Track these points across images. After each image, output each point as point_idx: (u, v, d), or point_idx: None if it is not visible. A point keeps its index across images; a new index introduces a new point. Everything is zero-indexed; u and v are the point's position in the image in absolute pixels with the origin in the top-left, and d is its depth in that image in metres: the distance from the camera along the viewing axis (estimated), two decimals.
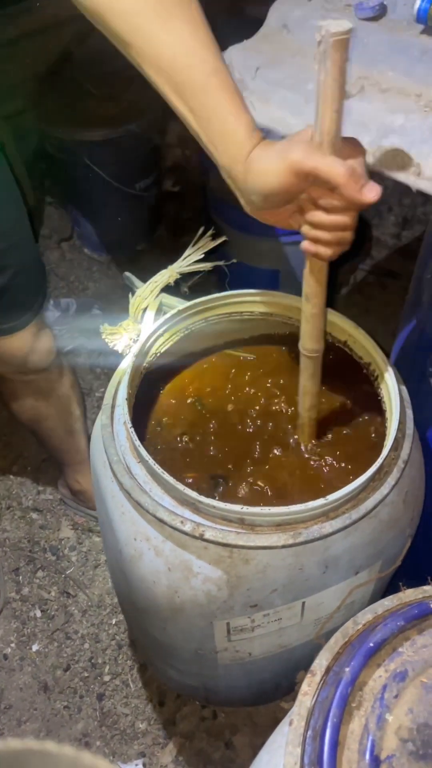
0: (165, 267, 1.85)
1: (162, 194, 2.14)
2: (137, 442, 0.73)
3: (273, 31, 0.79)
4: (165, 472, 0.71)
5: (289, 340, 0.96)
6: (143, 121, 1.83)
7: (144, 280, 1.01)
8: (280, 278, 1.60)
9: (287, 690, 1.19)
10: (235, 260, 0.99)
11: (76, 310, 1.92)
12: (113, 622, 1.34)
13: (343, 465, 0.83)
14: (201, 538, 0.70)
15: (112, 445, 0.77)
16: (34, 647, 1.31)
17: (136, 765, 1.16)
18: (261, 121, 0.73)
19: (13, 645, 1.32)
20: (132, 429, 0.74)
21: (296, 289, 0.97)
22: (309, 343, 0.75)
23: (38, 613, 1.36)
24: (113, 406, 0.82)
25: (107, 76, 2.00)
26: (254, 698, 1.18)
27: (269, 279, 1.59)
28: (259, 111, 0.73)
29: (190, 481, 0.82)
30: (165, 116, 1.96)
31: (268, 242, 1.55)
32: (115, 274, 2.08)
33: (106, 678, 1.27)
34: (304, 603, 0.81)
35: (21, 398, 1.22)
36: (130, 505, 0.75)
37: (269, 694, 1.18)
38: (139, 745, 1.19)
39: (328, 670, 0.59)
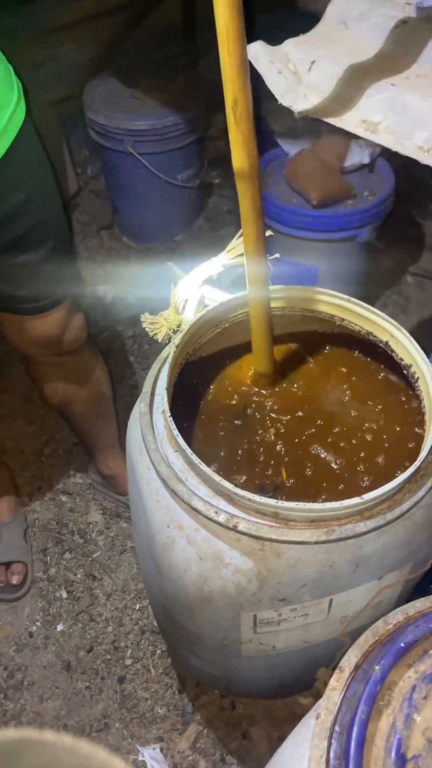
0: (203, 258, 1.86)
1: (203, 185, 2.14)
2: (175, 431, 0.74)
3: (331, 26, 0.79)
4: (202, 463, 0.71)
5: (333, 338, 0.95)
6: (189, 112, 1.83)
7: (182, 269, 1.02)
8: (318, 275, 1.60)
9: (306, 686, 1.19)
10: (278, 255, 0.98)
11: (113, 298, 1.94)
12: (137, 608, 1.36)
13: (380, 465, 0.83)
14: (234, 529, 0.70)
15: (150, 433, 0.78)
16: (59, 627, 1.34)
17: (154, 749, 1.18)
18: (315, 115, 0.73)
19: (38, 624, 1.34)
20: (171, 418, 0.75)
21: (336, 287, 0.97)
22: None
23: (64, 594, 1.38)
24: (152, 395, 0.83)
25: (155, 65, 2.01)
26: (273, 691, 1.18)
27: (308, 276, 1.59)
28: (314, 104, 0.73)
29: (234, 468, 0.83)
30: (210, 107, 1.97)
31: (308, 239, 1.55)
32: (153, 263, 2.09)
33: (128, 662, 1.29)
34: (332, 600, 0.81)
35: (53, 382, 1.24)
36: (166, 492, 0.76)
37: (288, 688, 1.19)
38: (158, 729, 1.21)
39: (357, 667, 0.59)
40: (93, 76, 2.00)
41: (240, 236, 0.97)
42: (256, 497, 0.69)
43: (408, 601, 0.92)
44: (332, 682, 0.58)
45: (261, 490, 0.83)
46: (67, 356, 1.15)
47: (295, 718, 1.22)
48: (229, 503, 0.72)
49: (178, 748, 1.19)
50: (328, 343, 0.96)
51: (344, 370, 0.95)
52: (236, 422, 0.89)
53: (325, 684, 1.18)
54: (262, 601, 0.77)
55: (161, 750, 1.18)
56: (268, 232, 0.95)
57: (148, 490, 0.79)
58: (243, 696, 1.21)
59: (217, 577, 0.75)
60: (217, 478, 0.70)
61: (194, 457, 0.72)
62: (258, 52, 0.75)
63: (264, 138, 1.77)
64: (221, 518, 0.71)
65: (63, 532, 1.49)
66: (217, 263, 0.94)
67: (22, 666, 1.29)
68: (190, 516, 0.74)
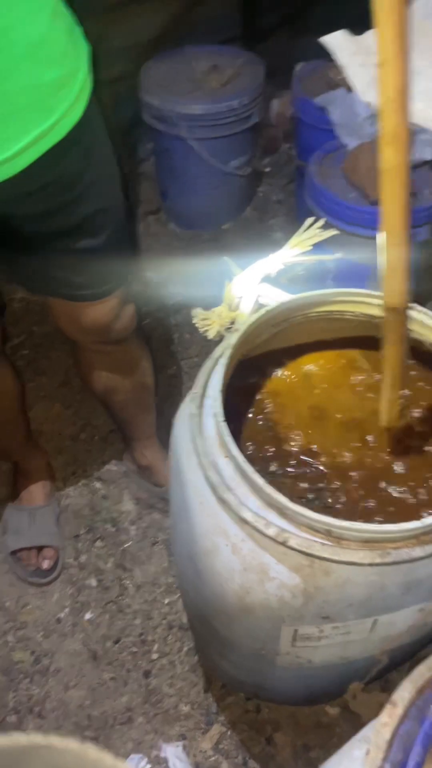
0: (249, 248, 1.82)
1: (253, 174, 2.09)
2: (228, 438, 0.71)
3: (416, 17, 0.74)
4: (255, 472, 0.69)
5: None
6: (245, 98, 1.78)
7: (238, 266, 0.98)
8: (372, 273, 1.54)
9: (335, 696, 1.17)
10: (340, 255, 0.94)
11: (156, 285, 1.92)
12: (166, 602, 1.34)
13: None
14: (284, 544, 0.67)
15: (200, 436, 0.76)
16: (87, 616, 1.33)
17: (177, 747, 1.17)
18: None
19: (66, 610, 1.34)
20: (223, 423, 0.72)
21: None
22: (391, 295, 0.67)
23: (93, 583, 1.38)
24: (203, 396, 0.80)
25: (213, 48, 1.97)
26: (301, 699, 1.16)
27: (361, 273, 1.54)
28: None
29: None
30: (266, 94, 1.92)
31: (363, 235, 1.50)
32: (198, 251, 2.06)
33: (154, 656, 1.28)
34: (376, 620, 0.78)
35: (97, 369, 1.22)
36: (213, 499, 0.73)
37: (317, 697, 1.16)
38: (181, 727, 1.20)
39: (410, 703, 0.56)
40: (149, 57, 1.96)
41: (303, 232, 0.93)
42: (310, 513, 0.66)
43: None
44: (384, 718, 0.55)
45: (307, 501, 0.80)
46: (114, 345, 1.12)
47: (320, 727, 1.19)
48: (280, 516, 0.69)
49: (201, 747, 1.18)
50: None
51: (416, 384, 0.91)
52: (282, 429, 0.86)
53: (355, 697, 1.16)
54: (305, 617, 0.75)
55: (184, 748, 1.17)
56: (332, 231, 0.91)
57: (193, 494, 0.77)
58: (269, 701, 1.19)
59: (261, 589, 0.73)
60: (269, 489, 0.68)
61: (246, 466, 0.69)
62: (340, 42, 0.70)
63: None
64: (271, 531, 0.68)
65: (95, 519, 1.48)
66: (276, 260, 0.91)
67: (48, 652, 1.29)
68: (237, 525, 0.72)
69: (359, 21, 0.81)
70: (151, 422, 1.40)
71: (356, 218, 1.45)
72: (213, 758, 1.16)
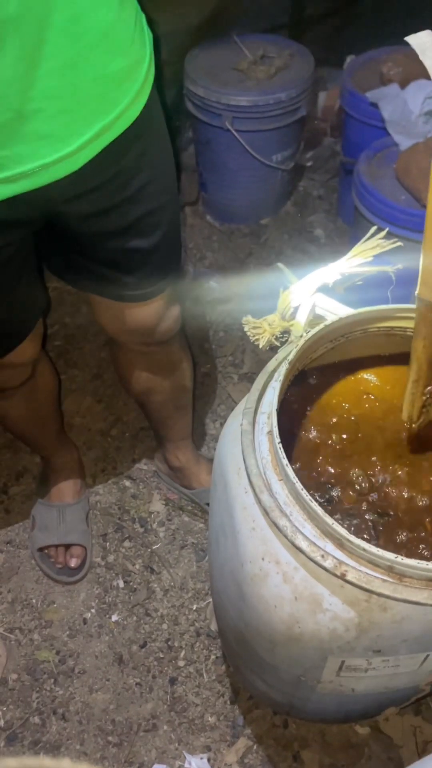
0: (288, 244, 1.77)
1: (297, 168, 2.04)
2: (284, 460, 0.67)
3: None
4: (312, 500, 0.65)
5: None
6: (293, 90, 1.72)
7: (265, 256, 0.94)
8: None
9: (369, 717, 1.14)
10: (401, 266, 0.90)
11: (192, 279, 1.88)
12: (194, 608, 1.32)
13: None
14: (342, 578, 0.64)
15: (252, 455, 0.72)
16: (114, 617, 1.31)
17: (201, 758, 1.15)
18: None
19: (93, 611, 1.32)
20: (279, 444, 0.68)
21: None
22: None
23: (121, 584, 1.35)
24: (256, 411, 0.76)
25: (260, 37, 1.91)
26: (333, 720, 1.13)
27: (407, 279, 1.48)
28: None
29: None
30: (315, 85, 1.85)
31: (412, 240, 1.44)
32: (235, 245, 2.01)
33: (181, 663, 1.25)
34: (428, 655, 0.74)
35: (138, 369, 1.19)
36: (264, 522, 0.70)
37: (350, 718, 1.13)
38: (206, 738, 1.17)
39: None
40: (194, 44, 1.91)
41: (365, 241, 0.89)
42: (372, 548, 0.62)
43: None
44: None
45: (364, 531, 0.76)
46: (156, 346, 1.09)
47: (350, 747, 1.16)
48: (338, 547, 0.65)
49: (226, 760, 1.15)
50: None
51: None
52: (333, 451, 0.82)
53: (387, 719, 1.12)
54: (355, 650, 0.71)
55: (208, 760, 1.15)
56: (396, 243, 0.87)
57: (243, 515, 0.73)
58: (299, 718, 1.16)
59: (312, 620, 0.69)
60: (329, 519, 0.64)
61: (304, 493, 0.65)
62: (425, 42, 0.65)
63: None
64: (328, 563, 0.64)
65: (124, 518, 1.45)
66: (334, 270, 0.86)
67: (74, 652, 1.27)
68: (290, 553, 0.68)
69: (411, 11, 0.75)
70: (187, 424, 1.37)
71: (406, 221, 1.40)
72: None
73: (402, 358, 0.89)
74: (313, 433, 0.83)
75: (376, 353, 0.89)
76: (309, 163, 2.19)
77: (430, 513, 0.76)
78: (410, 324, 0.83)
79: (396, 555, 0.62)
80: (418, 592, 0.62)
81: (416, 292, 0.69)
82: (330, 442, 0.83)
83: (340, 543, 0.65)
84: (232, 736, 1.18)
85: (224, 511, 0.79)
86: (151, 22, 2.13)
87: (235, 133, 1.74)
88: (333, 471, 0.79)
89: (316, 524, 0.66)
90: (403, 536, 0.73)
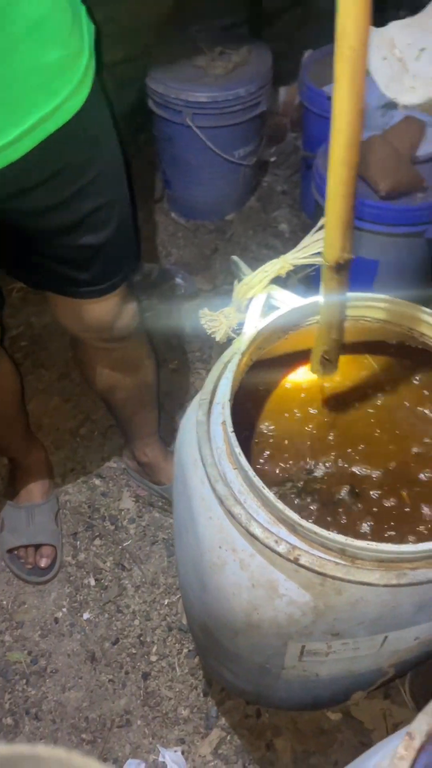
0: (253, 240, 1.78)
1: (259, 163, 2.05)
2: (237, 449, 0.68)
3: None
4: (265, 486, 0.66)
5: (409, 351, 0.88)
6: (252, 86, 1.73)
7: (230, 251, 0.95)
8: (378, 269, 1.51)
9: (338, 703, 1.15)
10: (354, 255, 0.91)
11: (158, 277, 1.88)
12: (165, 603, 1.32)
13: None
14: (296, 562, 0.65)
15: (207, 446, 0.73)
16: (85, 615, 1.31)
17: (175, 751, 1.15)
18: (423, 110, 0.65)
19: (64, 610, 1.32)
20: (233, 434, 0.69)
21: (395, 283, 0.89)
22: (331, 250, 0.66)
23: (92, 582, 1.35)
24: (211, 402, 0.77)
25: (219, 33, 1.91)
26: (303, 706, 1.14)
27: (367, 269, 1.50)
28: (422, 97, 0.65)
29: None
30: (274, 80, 1.87)
31: (371, 231, 1.46)
32: (201, 242, 2.02)
33: (153, 658, 1.26)
34: (386, 637, 0.75)
35: (100, 367, 1.19)
36: (221, 511, 0.70)
37: (320, 705, 1.14)
38: (180, 731, 1.18)
39: (428, 736, 0.54)
40: (154, 41, 1.91)
41: (314, 233, 0.89)
42: (323, 531, 0.63)
43: None
44: (400, 750, 0.53)
45: (321, 517, 0.77)
46: (116, 342, 1.09)
47: (321, 733, 1.18)
48: (291, 533, 0.66)
49: (200, 752, 1.16)
50: (401, 354, 0.89)
51: (416, 385, 0.88)
52: (292, 439, 0.83)
53: (357, 704, 1.14)
54: (313, 634, 0.72)
55: (182, 753, 1.15)
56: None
57: (200, 506, 0.74)
58: (271, 707, 1.18)
59: (269, 606, 0.70)
60: (280, 505, 0.65)
61: (257, 480, 0.66)
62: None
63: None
64: (281, 548, 0.65)
65: (94, 516, 1.45)
66: (287, 261, 0.87)
67: (46, 652, 1.27)
68: (246, 540, 0.69)
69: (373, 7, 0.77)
70: (153, 420, 1.37)
71: (363, 213, 1.41)
72: (212, 763, 1.15)
73: (357, 347, 0.90)
74: (273, 423, 0.84)
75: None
76: (272, 159, 2.21)
77: (396, 491, 0.78)
78: (365, 312, 0.85)
79: (346, 537, 0.63)
80: (369, 573, 0.64)
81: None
82: (292, 431, 0.84)
83: (293, 528, 0.66)
84: (206, 728, 1.18)
85: (184, 503, 0.80)
86: (110, 20, 2.12)
87: (195, 129, 1.75)
88: (298, 460, 0.80)
89: (269, 511, 0.67)
90: (371, 518, 0.75)
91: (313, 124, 1.78)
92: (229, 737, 1.18)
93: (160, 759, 1.15)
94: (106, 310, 1.00)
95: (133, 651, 1.27)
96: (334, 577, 0.64)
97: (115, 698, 1.22)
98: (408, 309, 0.82)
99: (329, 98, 1.61)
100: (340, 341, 0.79)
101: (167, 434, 1.46)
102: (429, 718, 0.55)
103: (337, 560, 0.64)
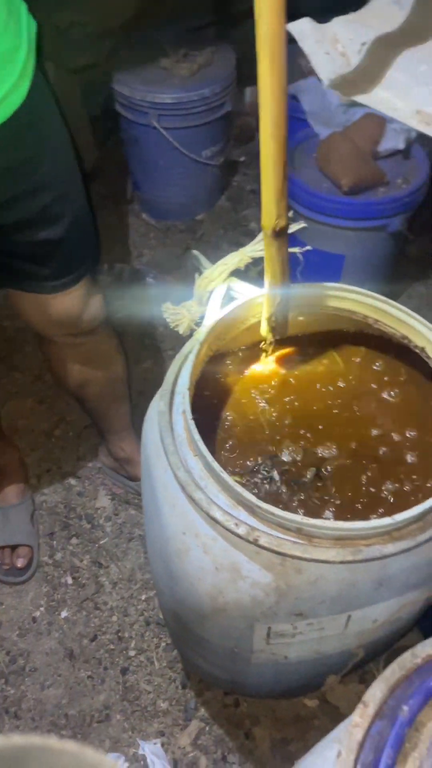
0: (224, 239, 1.80)
1: (227, 163, 2.07)
2: (196, 435, 0.70)
3: (383, 5, 0.72)
4: (223, 471, 0.67)
5: (365, 339, 0.91)
6: (216, 86, 1.76)
7: (202, 251, 0.97)
8: (344, 264, 1.54)
9: (313, 689, 1.17)
10: (309, 247, 0.93)
11: (129, 277, 1.89)
12: (143, 598, 1.33)
13: (411, 483, 0.79)
14: (255, 543, 0.66)
15: (169, 434, 0.74)
16: (63, 614, 1.31)
17: (155, 744, 1.16)
18: (364, 102, 0.67)
19: (42, 609, 1.32)
20: (192, 421, 0.71)
21: (361, 276, 0.92)
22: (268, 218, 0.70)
23: (69, 580, 1.36)
24: (172, 393, 0.78)
25: (184, 35, 1.93)
26: (279, 693, 1.16)
27: (333, 264, 1.53)
28: (363, 90, 0.67)
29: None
30: (239, 81, 1.89)
31: (336, 226, 1.49)
32: (172, 242, 2.04)
33: (132, 653, 1.27)
34: (350, 616, 0.77)
35: (68, 363, 1.20)
36: (183, 498, 0.72)
37: (295, 691, 1.16)
38: (159, 723, 1.19)
39: (382, 702, 0.56)
40: (119, 45, 1.92)
41: None
42: (280, 511, 0.65)
43: (427, 615, 0.89)
44: (355, 718, 0.55)
45: (283, 499, 0.79)
46: (84, 336, 1.10)
47: (299, 720, 1.20)
48: (250, 515, 0.68)
49: (179, 743, 1.17)
50: (359, 344, 0.92)
51: (375, 372, 0.90)
52: (255, 426, 0.85)
53: (332, 690, 1.16)
54: (278, 615, 0.74)
55: (162, 745, 1.17)
56: (301, 225, 0.90)
57: (164, 494, 0.75)
58: (248, 695, 1.19)
59: (233, 588, 0.72)
60: (239, 488, 0.66)
61: (215, 465, 0.68)
62: (304, 30, 0.68)
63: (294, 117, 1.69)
64: (241, 530, 0.67)
65: (70, 516, 1.46)
66: (244, 254, 0.89)
67: (24, 651, 1.27)
68: (208, 524, 0.71)
69: (330, 8, 0.79)
70: (126, 413, 1.38)
71: (327, 208, 1.44)
72: (192, 754, 1.16)
73: (318, 337, 0.93)
74: (240, 414, 0.86)
75: (290, 334, 0.92)
76: (241, 159, 2.23)
77: (359, 471, 0.80)
78: (320, 302, 0.87)
79: (302, 516, 0.65)
80: (326, 551, 0.66)
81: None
82: (256, 420, 0.86)
83: (251, 510, 0.68)
84: (185, 720, 1.20)
85: (149, 492, 0.81)
86: (75, 25, 2.12)
87: (162, 130, 1.77)
88: (263, 447, 0.82)
89: (229, 494, 0.69)
90: (320, 500, 0.77)
91: None
92: (208, 728, 1.19)
93: (140, 752, 1.16)
94: (71, 304, 1.01)
95: (112, 647, 1.28)
96: (292, 556, 0.66)
97: (94, 694, 1.22)
98: (363, 297, 0.84)
99: (292, 97, 1.64)
100: (285, 305, 0.82)
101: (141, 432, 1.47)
102: (383, 686, 0.57)
103: (295, 540, 0.66)
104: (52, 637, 1.29)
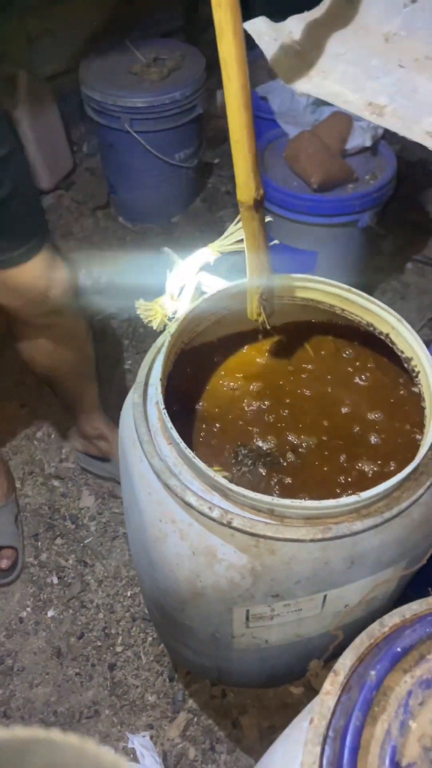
0: (200, 240, 1.82)
1: (201, 165, 2.10)
2: (169, 424, 0.72)
3: (336, 3, 0.75)
4: (196, 457, 0.69)
5: (333, 328, 0.93)
6: (187, 89, 1.78)
7: (178, 252, 0.99)
8: (317, 260, 1.57)
9: (298, 675, 1.19)
10: (277, 241, 0.96)
11: (108, 280, 1.91)
12: (128, 595, 1.35)
13: (380, 463, 0.81)
14: (228, 525, 0.68)
15: (144, 424, 0.76)
16: (50, 613, 1.33)
17: (144, 736, 1.18)
18: (319, 96, 0.70)
19: (29, 609, 1.33)
20: (164, 410, 0.73)
21: (334, 272, 0.95)
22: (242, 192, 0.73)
23: (55, 580, 1.37)
24: (146, 384, 0.80)
25: (154, 40, 1.96)
26: (265, 681, 1.18)
27: (307, 261, 1.56)
28: (318, 84, 0.70)
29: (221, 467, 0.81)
30: (210, 84, 1.92)
31: (308, 223, 1.52)
32: (149, 244, 2.06)
33: (119, 649, 1.28)
34: (325, 596, 0.79)
35: (40, 346, 1.21)
36: (159, 486, 0.74)
37: (280, 678, 1.18)
38: (148, 717, 1.21)
39: (352, 670, 0.58)
40: (90, 51, 1.95)
41: (238, 222, 0.94)
42: (251, 493, 0.67)
43: (401, 595, 0.92)
44: (326, 686, 0.57)
45: (259, 483, 0.81)
46: (54, 317, 1.12)
47: (285, 707, 1.21)
48: (224, 498, 0.70)
49: (168, 735, 1.19)
50: (327, 333, 0.94)
51: (343, 362, 0.93)
52: (231, 415, 0.87)
53: (317, 675, 1.18)
54: (255, 597, 0.76)
55: (151, 737, 1.18)
56: (267, 218, 0.92)
57: (140, 483, 0.77)
58: (234, 685, 1.21)
59: (210, 572, 0.74)
60: (211, 473, 0.68)
61: (188, 451, 0.70)
62: (261, 29, 0.71)
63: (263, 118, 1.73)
64: (215, 514, 0.69)
65: (55, 517, 1.47)
66: (214, 249, 0.91)
67: (12, 651, 1.28)
68: (183, 510, 0.73)
69: (299, 11, 0.82)
70: (95, 392, 1.40)
71: (298, 206, 1.47)
72: (180, 745, 1.17)
73: (286, 327, 0.95)
74: (217, 405, 0.88)
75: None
76: (215, 161, 2.26)
77: (332, 455, 0.82)
78: (287, 293, 0.89)
79: (272, 497, 0.67)
80: (297, 530, 0.68)
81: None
82: (232, 409, 0.88)
83: (224, 494, 0.70)
84: (173, 712, 1.21)
85: (127, 482, 0.83)
86: (46, 33, 2.14)
87: (134, 134, 1.79)
88: (241, 435, 0.84)
89: (203, 480, 0.71)
90: (294, 483, 0.79)
91: None
92: (196, 719, 1.20)
93: (129, 745, 1.17)
94: (33, 276, 1.02)
95: (99, 644, 1.29)
96: (265, 537, 0.68)
97: (82, 691, 1.24)
98: (329, 287, 0.87)
99: (262, 98, 1.67)
100: (272, 281, 0.84)
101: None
102: (353, 655, 0.59)
103: (267, 520, 0.68)
104: (39, 636, 1.30)
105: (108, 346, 1.79)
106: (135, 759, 1.15)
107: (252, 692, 1.22)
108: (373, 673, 0.55)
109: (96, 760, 0.30)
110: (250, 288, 0.83)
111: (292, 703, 1.22)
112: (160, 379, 0.77)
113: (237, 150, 0.68)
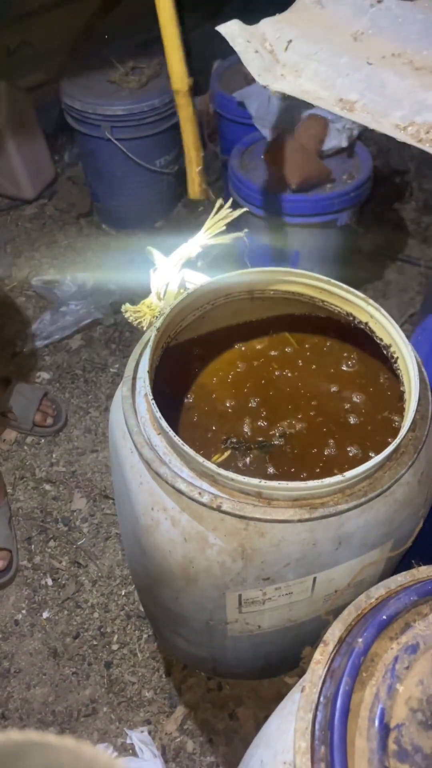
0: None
1: (182, 171, 2.12)
2: (158, 414, 0.74)
3: (307, 5, 0.78)
4: (185, 444, 0.72)
5: (314, 319, 0.96)
6: (165, 96, 1.81)
7: (161, 254, 1.01)
8: (299, 260, 1.60)
9: (292, 665, 1.21)
10: (247, 229, 0.98)
11: (93, 286, 1.93)
12: (123, 593, 1.36)
13: (363, 446, 0.84)
14: (218, 509, 0.71)
15: (133, 416, 0.78)
16: (45, 614, 1.34)
17: (142, 732, 1.19)
18: (292, 94, 0.73)
19: (24, 612, 1.34)
20: (153, 401, 0.75)
21: (315, 271, 0.97)
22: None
23: (49, 582, 1.38)
24: (134, 378, 0.83)
25: (132, 49, 1.99)
26: (260, 671, 1.20)
27: (289, 260, 1.59)
28: (290, 83, 0.73)
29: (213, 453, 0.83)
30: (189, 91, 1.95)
31: (288, 223, 1.55)
32: (133, 250, 2.08)
33: (115, 647, 1.29)
34: (315, 578, 0.82)
35: None
36: (149, 475, 0.76)
37: (275, 668, 1.20)
38: (145, 713, 1.22)
39: (341, 640, 0.60)
40: (69, 61, 1.98)
41: (215, 215, 0.97)
42: (239, 477, 0.69)
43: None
44: (316, 656, 0.59)
45: (249, 469, 0.83)
46: None
47: (281, 697, 1.22)
48: (213, 484, 0.72)
49: (166, 730, 1.20)
50: (309, 324, 0.97)
51: (325, 350, 0.95)
52: (219, 406, 0.90)
53: (309, 663, 1.20)
54: (246, 581, 0.78)
55: (149, 733, 1.19)
56: (241, 210, 0.95)
57: (131, 474, 0.79)
58: (229, 677, 1.23)
59: (202, 557, 0.76)
60: (200, 459, 0.71)
61: (177, 439, 0.72)
62: (234, 31, 0.74)
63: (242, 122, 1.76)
64: (205, 499, 0.71)
65: (47, 520, 1.48)
66: (194, 244, 0.94)
67: (8, 654, 1.29)
68: (174, 498, 0.75)
69: (269, 14, 0.86)
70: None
71: (278, 206, 1.50)
72: (178, 739, 1.19)
73: (269, 320, 0.98)
74: (205, 397, 0.90)
75: (244, 320, 0.97)
76: None
77: (318, 440, 0.85)
78: (268, 286, 0.92)
79: (260, 480, 0.69)
80: (284, 511, 0.70)
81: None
82: (221, 400, 0.90)
83: (213, 479, 0.72)
84: (170, 707, 1.23)
85: (118, 475, 0.85)
86: (25, 45, 2.16)
87: (115, 141, 1.82)
88: (230, 425, 0.87)
89: (192, 467, 0.73)
90: (282, 469, 0.81)
91: (227, 129, 1.87)
92: (193, 713, 1.22)
93: (128, 741, 1.18)
94: None
95: (95, 642, 1.30)
96: (254, 519, 0.71)
97: (79, 689, 1.25)
98: (308, 279, 0.90)
99: (240, 103, 1.69)
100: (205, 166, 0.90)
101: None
102: (341, 625, 0.61)
103: (255, 503, 0.71)
104: (35, 637, 1.31)
105: (95, 350, 1.81)
106: (134, 754, 1.16)
107: (248, 684, 1.24)
108: (360, 640, 0.57)
109: (92, 762, 0.30)
110: (189, 164, 0.90)
111: (287, 693, 1.23)
112: (148, 372, 0.79)
113: (170, 47, 0.76)
